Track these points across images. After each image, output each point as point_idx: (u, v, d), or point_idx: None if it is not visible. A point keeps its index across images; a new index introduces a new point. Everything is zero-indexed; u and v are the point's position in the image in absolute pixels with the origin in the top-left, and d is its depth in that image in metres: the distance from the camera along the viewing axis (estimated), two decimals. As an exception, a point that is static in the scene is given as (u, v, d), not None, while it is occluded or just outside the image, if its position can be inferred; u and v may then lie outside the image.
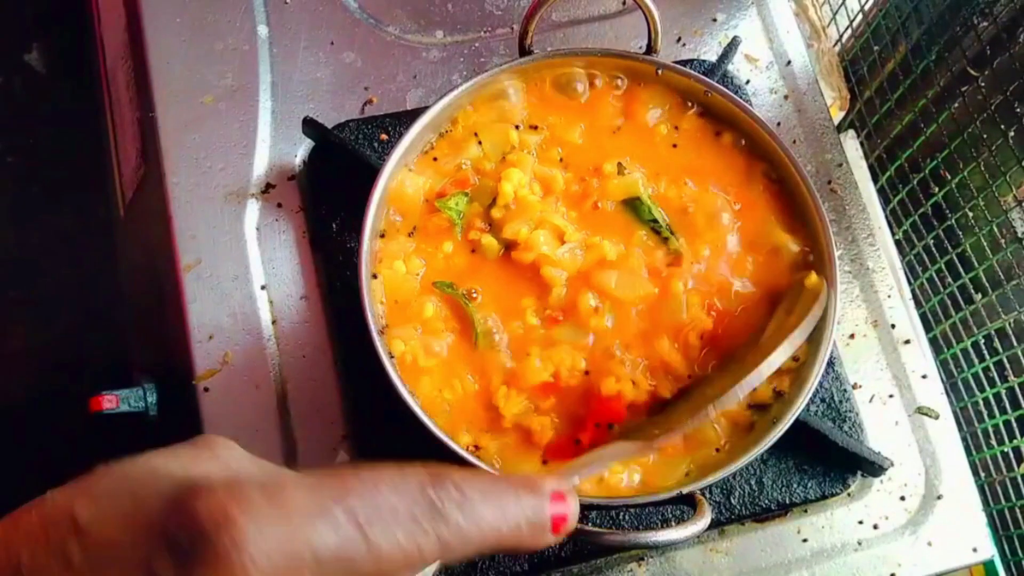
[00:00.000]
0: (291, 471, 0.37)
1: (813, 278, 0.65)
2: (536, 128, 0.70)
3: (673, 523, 0.70)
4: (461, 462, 0.59)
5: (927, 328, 0.85)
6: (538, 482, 0.42)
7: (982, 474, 0.81)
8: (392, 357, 0.62)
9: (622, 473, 0.62)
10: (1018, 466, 0.78)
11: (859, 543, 0.73)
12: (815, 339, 0.63)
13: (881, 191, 0.90)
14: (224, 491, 0.33)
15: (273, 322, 0.75)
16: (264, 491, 0.34)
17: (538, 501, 0.41)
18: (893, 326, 0.79)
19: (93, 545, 0.33)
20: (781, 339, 0.57)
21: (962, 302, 0.83)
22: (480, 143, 0.69)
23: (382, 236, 0.67)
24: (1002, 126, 0.74)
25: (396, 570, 0.36)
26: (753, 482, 0.71)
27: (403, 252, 0.66)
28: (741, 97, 0.75)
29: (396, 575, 0.36)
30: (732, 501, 0.71)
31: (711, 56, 0.86)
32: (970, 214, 0.81)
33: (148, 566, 0.32)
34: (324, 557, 0.34)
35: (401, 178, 0.67)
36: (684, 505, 0.60)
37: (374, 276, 0.64)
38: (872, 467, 0.72)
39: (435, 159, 0.69)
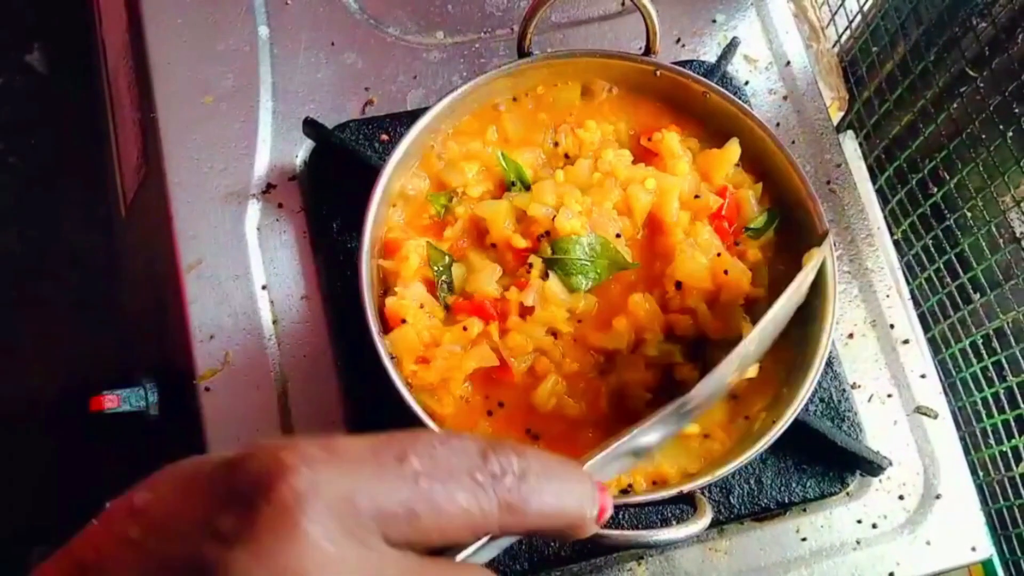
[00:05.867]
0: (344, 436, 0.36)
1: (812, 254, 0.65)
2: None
3: (673, 522, 0.70)
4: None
5: (926, 328, 0.85)
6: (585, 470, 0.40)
7: (980, 473, 0.82)
8: (392, 357, 0.62)
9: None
10: (1016, 465, 0.79)
11: (858, 542, 0.73)
12: (813, 338, 0.64)
13: (880, 191, 0.90)
14: (279, 446, 0.32)
15: (274, 322, 0.75)
16: (321, 445, 0.33)
17: (594, 489, 0.39)
18: (892, 326, 0.79)
19: (152, 522, 0.32)
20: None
21: (960, 302, 0.83)
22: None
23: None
24: (1000, 126, 0.74)
25: (457, 532, 0.34)
26: (752, 481, 0.72)
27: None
28: (740, 98, 0.75)
29: (458, 538, 0.35)
30: (731, 500, 0.71)
31: (710, 57, 0.86)
32: (968, 214, 0.82)
33: (209, 525, 0.31)
34: (387, 511, 0.32)
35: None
36: (684, 504, 0.60)
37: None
38: (871, 466, 0.72)
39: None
